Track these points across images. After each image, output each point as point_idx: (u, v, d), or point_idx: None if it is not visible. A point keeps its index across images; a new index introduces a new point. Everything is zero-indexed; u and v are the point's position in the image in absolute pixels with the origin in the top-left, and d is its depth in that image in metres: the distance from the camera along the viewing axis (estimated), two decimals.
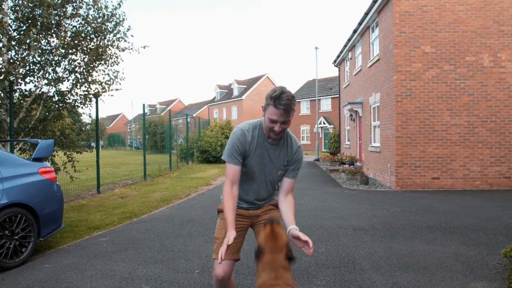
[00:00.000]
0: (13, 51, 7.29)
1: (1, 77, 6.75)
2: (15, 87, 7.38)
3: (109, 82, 8.69)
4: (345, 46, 17.05)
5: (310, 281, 3.68)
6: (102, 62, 8.45)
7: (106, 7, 8.11)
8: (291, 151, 2.45)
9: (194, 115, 46.50)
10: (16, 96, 7.58)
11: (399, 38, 10.04)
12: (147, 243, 5.14)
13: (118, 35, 8.50)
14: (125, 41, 8.67)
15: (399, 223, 6.08)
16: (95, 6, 7.97)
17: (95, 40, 8.15)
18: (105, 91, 8.68)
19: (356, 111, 15.61)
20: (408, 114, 10.00)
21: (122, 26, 8.49)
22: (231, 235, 2.10)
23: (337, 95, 25.74)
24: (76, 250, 4.87)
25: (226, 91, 52.88)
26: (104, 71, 8.64)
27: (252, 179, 2.47)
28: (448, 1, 9.96)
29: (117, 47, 8.64)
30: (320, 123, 35.35)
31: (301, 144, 2.54)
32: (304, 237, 2.06)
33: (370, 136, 13.35)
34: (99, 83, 8.56)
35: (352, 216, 6.71)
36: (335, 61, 20.52)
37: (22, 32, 7.21)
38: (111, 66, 8.69)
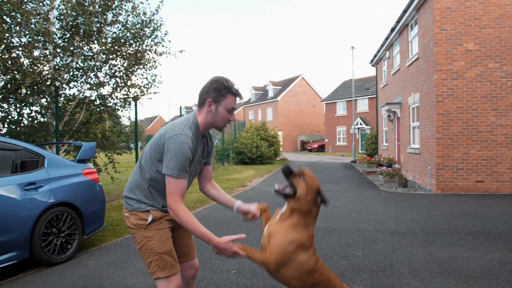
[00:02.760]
0: (58, 58, 7.67)
1: (48, 83, 7.12)
2: (60, 92, 7.75)
3: (147, 86, 8.97)
4: (382, 45, 16.66)
5: (346, 285, 3.62)
6: (141, 66, 8.73)
7: (145, 13, 8.37)
8: (211, 140, 2.43)
9: None
10: (61, 100, 7.96)
11: (439, 36, 9.69)
12: None
13: (155, 40, 8.77)
14: (162, 45, 8.93)
15: (440, 228, 5.87)
16: (134, 13, 8.26)
17: (134, 46, 8.44)
18: (143, 95, 8.96)
19: (394, 111, 15.21)
20: (449, 114, 9.63)
21: (160, 31, 8.75)
22: (234, 238, 2.10)
23: (374, 95, 25.19)
24: (117, 248, 5.04)
25: (261, 92, 53.04)
26: (142, 75, 8.94)
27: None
28: None
29: (155, 52, 8.90)
30: (356, 124, 34.73)
31: None
32: (251, 207, 2.35)
33: (409, 137, 12.96)
34: (138, 87, 8.85)
35: (390, 219, 6.54)
36: (372, 61, 20.11)
37: (66, 40, 7.58)
38: (149, 70, 8.97)
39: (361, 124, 35.10)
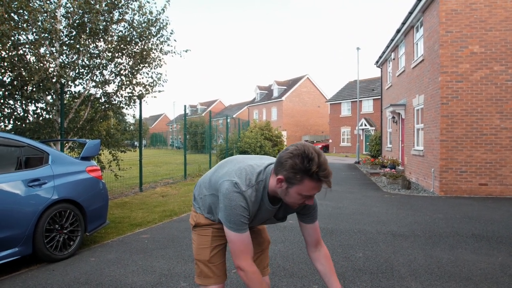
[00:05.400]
0: (64, 56, 7.72)
1: (54, 80, 7.17)
2: (66, 89, 7.80)
3: (152, 84, 9.00)
4: (387, 47, 16.62)
5: (347, 286, 3.63)
6: (146, 65, 8.76)
7: (151, 12, 8.41)
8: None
9: (234, 115, 47.03)
10: (66, 97, 8.02)
11: (445, 38, 9.66)
12: (186, 241, 5.27)
13: (161, 39, 8.79)
14: (168, 45, 8.95)
15: (442, 230, 5.86)
16: (140, 12, 8.28)
17: (139, 44, 8.46)
18: (148, 93, 8.99)
19: (399, 113, 15.17)
20: (454, 117, 9.60)
21: (166, 30, 8.77)
22: None
23: (379, 97, 25.13)
24: (119, 246, 5.08)
25: (266, 92, 53.03)
26: (147, 73, 8.95)
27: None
28: None
29: (161, 51, 8.92)
30: (361, 125, 34.65)
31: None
32: None
33: (413, 139, 12.93)
34: (143, 85, 8.87)
35: (392, 221, 6.54)
36: (377, 62, 20.06)
37: (72, 38, 7.61)
38: (154, 68, 8.99)
39: (365, 125, 35.02)
